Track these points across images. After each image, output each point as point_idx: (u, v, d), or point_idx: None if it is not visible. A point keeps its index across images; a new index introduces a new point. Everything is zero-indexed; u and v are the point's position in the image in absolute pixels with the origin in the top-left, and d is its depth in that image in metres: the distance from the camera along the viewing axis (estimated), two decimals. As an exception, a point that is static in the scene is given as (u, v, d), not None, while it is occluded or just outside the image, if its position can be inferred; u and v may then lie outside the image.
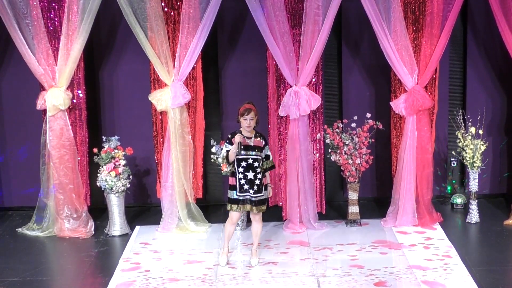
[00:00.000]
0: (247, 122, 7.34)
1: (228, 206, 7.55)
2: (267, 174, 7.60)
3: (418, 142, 8.66)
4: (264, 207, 7.54)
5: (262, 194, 7.47)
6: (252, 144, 7.41)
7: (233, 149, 7.32)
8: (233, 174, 7.48)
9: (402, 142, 8.71)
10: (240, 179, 7.41)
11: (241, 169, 7.40)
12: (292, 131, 8.60)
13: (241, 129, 7.43)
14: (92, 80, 9.34)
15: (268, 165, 7.59)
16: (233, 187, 7.47)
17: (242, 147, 7.33)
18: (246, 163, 7.39)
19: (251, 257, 7.70)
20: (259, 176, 7.43)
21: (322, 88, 8.88)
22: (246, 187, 7.41)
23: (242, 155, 7.35)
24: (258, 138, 7.46)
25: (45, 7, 8.43)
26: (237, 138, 7.31)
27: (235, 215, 7.54)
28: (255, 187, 7.41)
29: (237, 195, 7.44)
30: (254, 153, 7.40)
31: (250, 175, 7.40)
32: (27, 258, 8.01)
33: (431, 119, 8.78)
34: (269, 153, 7.58)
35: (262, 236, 8.51)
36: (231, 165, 7.47)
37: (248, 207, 7.46)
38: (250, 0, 8.29)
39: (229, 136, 7.46)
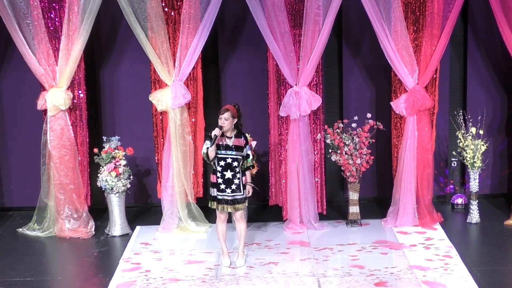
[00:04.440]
0: (221, 121, 7.40)
1: (209, 203, 7.61)
2: (247, 173, 7.62)
3: (419, 142, 8.66)
4: (241, 206, 7.56)
5: (241, 193, 7.51)
6: (231, 144, 7.44)
7: (210, 144, 7.36)
8: (215, 171, 7.52)
9: (403, 142, 8.71)
10: (218, 177, 7.46)
11: (219, 168, 7.45)
12: (292, 131, 8.60)
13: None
14: (92, 80, 9.34)
15: (247, 165, 7.61)
16: (214, 185, 7.52)
17: (219, 142, 7.37)
18: (224, 162, 7.44)
19: (237, 258, 7.71)
20: (238, 175, 7.48)
21: (323, 88, 8.88)
22: (222, 186, 7.46)
23: (221, 154, 7.40)
24: (239, 138, 7.49)
25: (46, 7, 8.43)
26: (214, 131, 7.35)
27: (221, 213, 7.58)
28: (233, 186, 7.46)
29: (216, 193, 7.50)
30: (233, 153, 7.44)
31: (228, 174, 7.45)
32: (27, 258, 8.01)
33: (432, 119, 8.78)
34: (249, 152, 7.61)
35: (262, 236, 8.53)
36: (213, 163, 7.50)
37: (225, 207, 7.51)
38: (250, 0, 8.29)
39: (209, 133, 7.48)
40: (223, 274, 7.44)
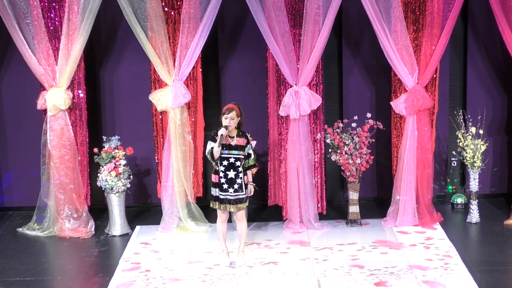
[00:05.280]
0: (226, 121, 7.38)
1: (211, 204, 7.61)
2: (248, 172, 7.62)
3: (419, 142, 8.66)
4: (243, 205, 7.57)
5: (243, 192, 7.51)
6: (234, 144, 7.45)
7: (216, 144, 7.35)
8: (216, 171, 7.51)
9: (403, 142, 8.71)
10: (220, 177, 7.45)
11: (222, 168, 7.44)
12: (292, 131, 8.60)
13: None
14: (92, 80, 9.34)
15: (249, 164, 7.62)
16: (216, 185, 7.52)
17: (225, 145, 7.37)
18: (228, 162, 7.44)
19: (237, 257, 7.71)
20: (240, 175, 7.48)
21: (323, 88, 8.88)
22: (225, 186, 7.46)
23: (224, 153, 7.40)
24: (241, 137, 7.50)
25: (46, 7, 8.43)
26: (221, 131, 7.34)
27: (222, 213, 7.59)
28: (236, 186, 7.46)
29: (219, 192, 7.49)
30: (236, 152, 7.45)
31: (231, 174, 7.45)
32: (27, 258, 8.01)
33: (432, 119, 8.78)
34: (251, 151, 7.62)
35: (262, 236, 8.53)
36: (215, 163, 7.50)
37: (228, 207, 7.51)
38: (250, 0, 8.29)
39: (213, 133, 7.49)
40: (223, 274, 7.44)
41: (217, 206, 7.56)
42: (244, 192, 7.53)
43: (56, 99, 8.49)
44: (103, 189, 8.69)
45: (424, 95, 8.56)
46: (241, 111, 7.51)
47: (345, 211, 9.04)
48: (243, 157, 7.52)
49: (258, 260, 7.78)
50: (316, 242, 8.33)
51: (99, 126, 9.51)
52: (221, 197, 7.50)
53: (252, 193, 7.66)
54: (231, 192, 7.48)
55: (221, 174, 7.47)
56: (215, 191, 7.54)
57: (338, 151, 8.66)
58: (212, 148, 7.40)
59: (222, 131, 7.34)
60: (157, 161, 8.93)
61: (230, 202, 7.50)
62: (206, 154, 7.51)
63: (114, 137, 8.81)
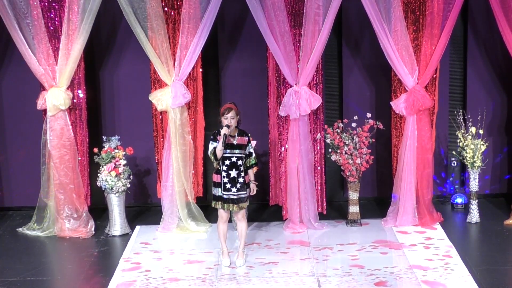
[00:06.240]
0: (227, 121, 7.38)
1: (213, 203, 7.60)
2: (250, 171, 7.62)
3: (419, 142, 8.67)
4: (244, 205, 7.57)
5: (245, 192, 7.52)
6: (236, 143, 7.45)
7: (219, 144, 7.35)
8: (218, 171, 7.51)
9: (403, 142, 8.71)
10: (223, 177, 7.45)
11: (224, 167, 7.45)
12: (292, 131, 8.60)
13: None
14: (92, 80, 9.35)
15: (251, 163, 7.62)
16: (218, 184, 7.51)
17: (227, 144, 7.37)
18: (230, 161, 7.44)
19: (237, 258, 7.70)
20: (242, 174, 7.49)
21: (323, 88, 8.88)
22: (228, 185, 7.46)
23: (226, 153, 7.40)
24: (242, 136, 7.51)
25: (46, 7, 8.43)
26: (223, 131, 7.34)
27: (224, 213, 7.58)
28: (238, 185, 7.46)
29: (221, 192, 7.48)
30: (238, 151, 7.46)
31: (234, 173, 7.45)
32: (27, 258, 8.01)
33: (432, 119, 8.78)
34: (252, 150, 7.62)
35: (262, 236, 8.54)
36: (217, 163, 7.49)
37: (231, 206, 7.51)
38: (250, 0, 8.29)
39: (214, 133, 7.48)
40: (223, 274, 7.44)
41: (219, 206, 7.55)
42: (245, 191, 7.54)
43: (56, 99, 8.49)
44: (103, 189, 8.70)
45: (424, 95, 8.56)
46: (238, 110, 7.51)
47: (345, 211, 9.04)
48: (244, 156, 7.52)
49: (258, 260, 7.78)
50: (316, 242, 8.33)
51: (99, 126, 9.51)
52: (225, 196, 7.50)
53: (254, 192, 7.66)
54: (234, 192, 7.48)
55: (224, 174, 7.46)
56: (217, 191, 7.54)
57: (338, 151, 8.66)
58: (215, 148, 7.40)
59: (224, 130, 7.34)
60: (157, 161, 8.93)
61: (233, 201, 7.50)
62: (209, 154, 7.49)
63: (114, 137, 8.81)
